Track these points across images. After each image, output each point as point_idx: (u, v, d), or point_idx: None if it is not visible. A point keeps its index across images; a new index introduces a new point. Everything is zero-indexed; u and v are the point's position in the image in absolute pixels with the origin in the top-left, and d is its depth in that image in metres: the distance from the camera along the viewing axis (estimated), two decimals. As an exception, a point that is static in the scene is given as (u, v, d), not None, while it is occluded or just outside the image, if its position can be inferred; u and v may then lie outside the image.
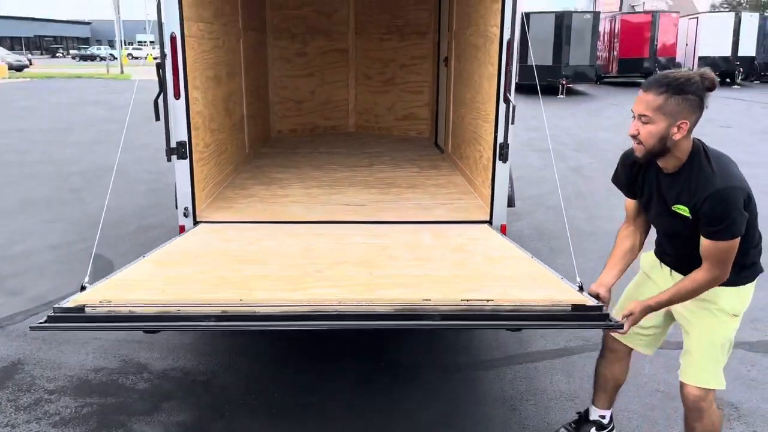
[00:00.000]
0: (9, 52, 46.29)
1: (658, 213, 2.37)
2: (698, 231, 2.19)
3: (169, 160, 4.24)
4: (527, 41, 21.73)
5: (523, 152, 10.67)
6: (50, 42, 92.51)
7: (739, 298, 2.33)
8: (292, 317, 2.53)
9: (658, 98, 2.10)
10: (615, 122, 15.01)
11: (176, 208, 4.48)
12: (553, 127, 13.91)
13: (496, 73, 4.33)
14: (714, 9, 50.77)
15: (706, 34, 25.51)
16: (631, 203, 2.57)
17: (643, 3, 53.80)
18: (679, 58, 26.45)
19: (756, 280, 2.37)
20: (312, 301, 2.62)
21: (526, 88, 23.21)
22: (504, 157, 4.38)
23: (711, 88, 2.11)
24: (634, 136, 2.20)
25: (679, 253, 2.41)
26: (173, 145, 4.24)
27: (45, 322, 2.44)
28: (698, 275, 2.23)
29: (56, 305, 2.51)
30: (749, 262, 2.31)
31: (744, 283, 2.33)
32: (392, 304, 2.58)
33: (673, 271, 2.46)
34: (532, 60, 19.31)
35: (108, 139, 11.82)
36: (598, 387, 2.81)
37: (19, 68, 38.23)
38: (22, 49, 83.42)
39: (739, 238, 2.13)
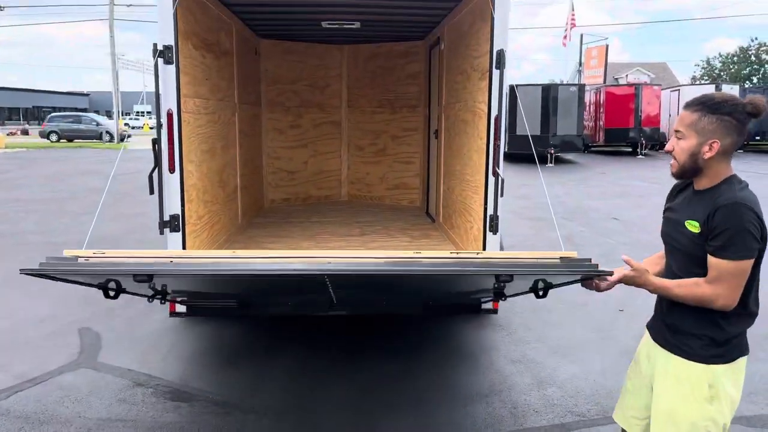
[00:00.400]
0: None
1: (671, 226, 2.26)
2: (701, 252, 2.08)
3: (161, 233, 4.26)
4: (516, 112, 22.49)
5: (513, 220, 10.77)
6: (48, 112, 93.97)
7: (725, 377, 2.13)
8: (285, 270, 2.48)
9: (693, 115, 2.10)
10: (603, 191, 15.24)
11: (167, 280, 4.47)
12: (543, 195, 14.10)
13: (485, 147, 4.44)
14: (694, 82, 52.57)
15: (688, 106, 26.27)
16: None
17: (626, 75, 55.76)
18: (663, 128, 27.18)
19: (743, 359, 2.16)
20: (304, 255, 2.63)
21: (515, 157, 23.73)
22: (494, 229, 4.44)
23: (754, 114, 2.07)
24: (669, 152, 2.19)
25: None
26: (166, 218, 4.27)
27: (38, 268, 2.38)
28: (703, 284, 2.08)
29: (49, 255, 2.44)
30: (733, 331, 2.12)
31: (712, 362, 2.13)
32: (383, 257, 2.60)
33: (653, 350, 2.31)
34: (527, 129, 19.74)
35: (102, 209, 11.84)
36: None
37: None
38: (20, 120, 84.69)
39: (749, 265, 2.02)
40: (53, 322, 5.49)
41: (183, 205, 4.28)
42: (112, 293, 2.89)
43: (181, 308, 4.28)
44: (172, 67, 4.13)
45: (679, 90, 27.22)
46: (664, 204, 2.39)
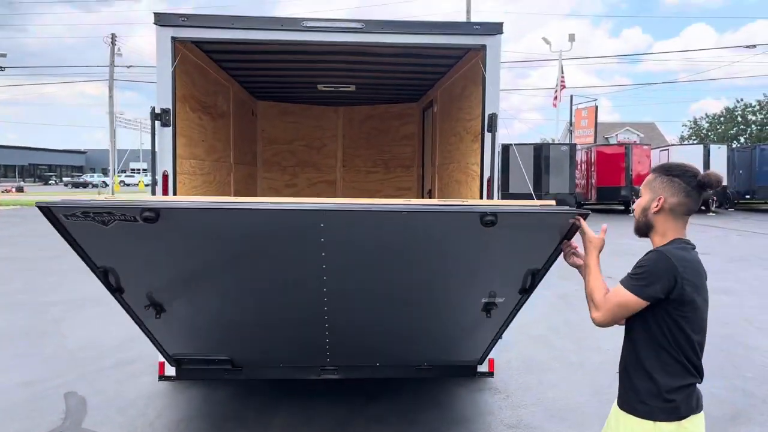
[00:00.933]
0: None
1: None
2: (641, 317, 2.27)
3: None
4: (508, 170, 22.80)
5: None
6: (44, 170, 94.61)
7: None
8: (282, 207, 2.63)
9: (650, 176, 2.40)
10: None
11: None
12: (537, 254, 14.09)
13: (478, 207, 4.44)
14: (683, 141, 53.62)
15: (678, 164, 26.73)
16: None
17: (616, 135, 56.86)
18: (654, 187, 27.52)
19: (694, 418, 2.17)
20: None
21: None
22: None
23: (704, 183, 2.26)
24: (633, 211, 2.45)
25: (623, 355, 2.40)
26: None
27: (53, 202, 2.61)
28: (605, 293, 2.35)
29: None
30: (668, 384, 2.17)
31: (658, 419, 2.17)
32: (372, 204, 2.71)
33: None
34: (529, 184, 19.96)
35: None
36: None
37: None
38: (15, 177, 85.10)
39: (632, 300, 2.21)
40: (40, 385, 5.35)
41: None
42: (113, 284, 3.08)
43: (170, 371, 4.17)
44: (168, 130, 4.18)
45: (668, 149, 27.75)
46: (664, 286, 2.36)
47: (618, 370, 2.40)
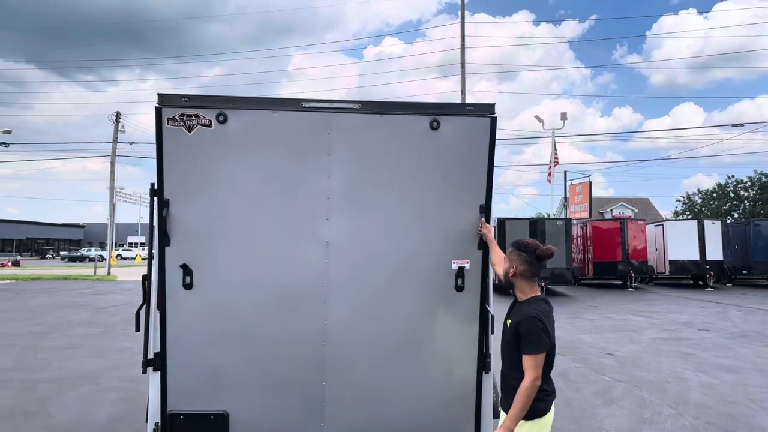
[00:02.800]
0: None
1: (503, 324, 3.55)
2: (515, 345, 3.31)
3: (144, 372, 4.13)
4: (505, 245, 22.82)
5: (507, 356, 10.53)
6: (41, 244, 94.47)
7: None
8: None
9: (509, 249, 3.51)
10: (596, 324, 15.09)
11: (146, 421, 4.27)
12: (536, 330, 13.90)
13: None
14: (677, 217, 54.02)
15: (673, 240, 26.88)
16: None
17: (611, 210, 57.39)
18: (651, 262, 27.50)
19: (542, 418, 3.28)
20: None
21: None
22: (486, 367, 4.33)
23: (541, 255, 3.40)
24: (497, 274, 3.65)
25: (504, 373, 3.47)
26: (150, 356, 4.16)
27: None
28: (522, 382, 3.21)
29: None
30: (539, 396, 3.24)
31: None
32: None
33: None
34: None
35: (85, 343, 11.55)
36: None
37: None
38: (12, 251, 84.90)
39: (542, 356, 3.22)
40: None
41: (165, 344, 4.19)
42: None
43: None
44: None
45: (662, 224, 27.92)
46: (548, 340, 3.30)
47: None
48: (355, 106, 4.31)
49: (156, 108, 4.15)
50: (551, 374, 3.39)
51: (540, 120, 31.61)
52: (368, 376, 4.31)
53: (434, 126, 4.20)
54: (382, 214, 4.31)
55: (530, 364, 3.20)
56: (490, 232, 4.24)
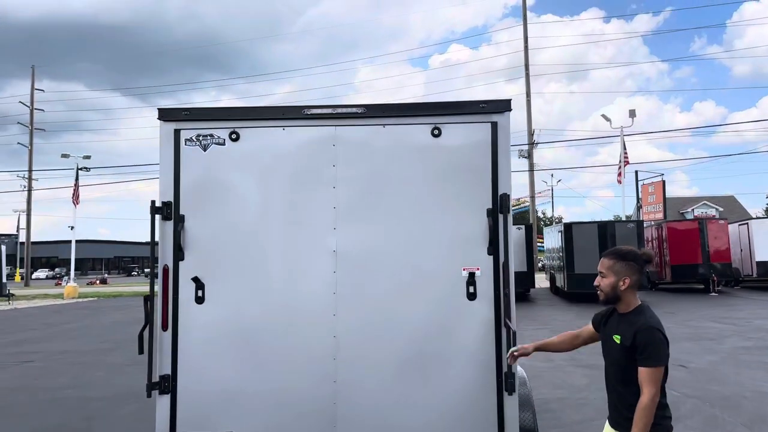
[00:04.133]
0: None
1: (605, 342, 3.22)
2: (630, 360, 2.99)
3: (149, 395, 4.02)
4: (572, 251, 21.96)
5: (566, 368, 9.95)
6: (128, 262, 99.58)
7: None
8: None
9: (610, 262, 3.12)
10: (671, 333, 14.09)
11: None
12: (603, 340, 13.14)
13: (494, 297, 4.10)
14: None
15: (761, 240, 25.04)
16: (589, 327, 3.41)
17: (692, 210, 54.43)
18: (735, 264, 25.71)
19: None
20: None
21: (575, 297, 22.74)
22: (509, 388, 3.96)
23: (648, 261, 3.14)
24: (597, 286, 3.15)
25: (613, 388, 3.15)
26: (155, 379, 4.06)
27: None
28: (641, 399, 2.90)
29: None
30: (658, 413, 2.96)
31: None
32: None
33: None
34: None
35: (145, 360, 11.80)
36: None
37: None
38: (102, 270, 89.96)
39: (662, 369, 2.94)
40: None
41: (176, 365, 4.08)
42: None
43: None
44: (170, 222, 4.12)
45: (748, 223, 26.06)
46: (595, 316, 3.35)
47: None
48: (359, 110, 4.18)
49: (174, 130, 4.25)
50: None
51: (607, 119, 30.32)
52: (380, 394, 4.05)
53: (435, 134, 4.17)
54: (388, 223, 4.19)
55: (650, 378, 2.92)
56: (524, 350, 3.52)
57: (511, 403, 4.02)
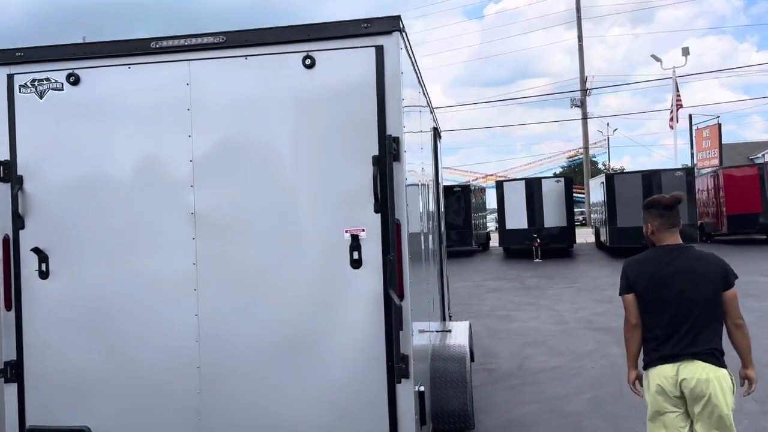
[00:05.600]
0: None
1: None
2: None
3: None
4: (615, 203, 20.53)
5: (575, 332, 9.06)
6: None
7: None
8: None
9: (643, 213, 3.42)
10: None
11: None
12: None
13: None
14: None
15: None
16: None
17: (763, 155, 50.75)
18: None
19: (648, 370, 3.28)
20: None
21: (618, 252, 21.41)
22: (402, 375, 3.23)
23: (669, 205, 3.33)
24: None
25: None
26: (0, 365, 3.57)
27: None
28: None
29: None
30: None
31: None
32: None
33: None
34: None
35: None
36: None
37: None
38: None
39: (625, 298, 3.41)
40: None
41: (21, 349, 3.56)
42: None
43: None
44: (6, 185, 3.56)
45: (816, 167, 23.71)
46: (627, 285, 3.37)
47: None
48: (217, 39, 3.46)
49: (7, 76, 3.69)
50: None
51: (657, 59, 28.01)
52: (250, 382, 3.42)
53: (308, 64, 3.37)
54: (255, 177, 3.49)
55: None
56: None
57: (405, 392, 3.29)
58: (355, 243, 3.32)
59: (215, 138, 3.45)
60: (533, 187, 22.58)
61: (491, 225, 34.05)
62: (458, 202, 24.42)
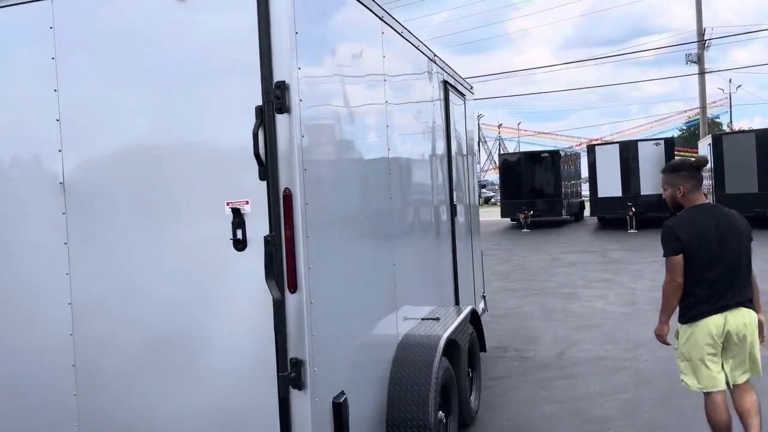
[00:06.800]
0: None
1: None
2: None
3: None
4: (723, 167, 18.27)
5: (642, 315, 7.84)
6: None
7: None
8: None
9: (666, 176, 3.62)
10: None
11: None
12: None
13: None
14: None
15: None
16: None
17: None
18: None
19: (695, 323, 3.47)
20: None
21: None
22: (296, 381, 2.58)
23: (698, 166, 3.61)
24: (664, 199, 3.70)
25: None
26: None
27: None
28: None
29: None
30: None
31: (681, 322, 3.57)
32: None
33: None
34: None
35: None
36: None
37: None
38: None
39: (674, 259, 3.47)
40: None
41: None
42: None
43: None
44: None
45: None
46: (680, 246, 3.44)
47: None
48: None
49: None
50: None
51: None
52: (128, 383, 2.90)
53: None
54: (130, 137, 2.93)
55: (666, 266, 3.52)
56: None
57: (300, 405, 2.62)
58: (238, 219, 2.64)
59: (83, 91, 2.88)
60: (628, 150, 20.64)
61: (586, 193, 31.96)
62: (546, 170, 22.91)
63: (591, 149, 21.71)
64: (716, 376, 3.44)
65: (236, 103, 2.64)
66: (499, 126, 71.41)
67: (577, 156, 27.97)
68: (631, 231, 19.19)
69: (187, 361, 2.77)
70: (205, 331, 2.74)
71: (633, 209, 19.53)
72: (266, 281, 2.52)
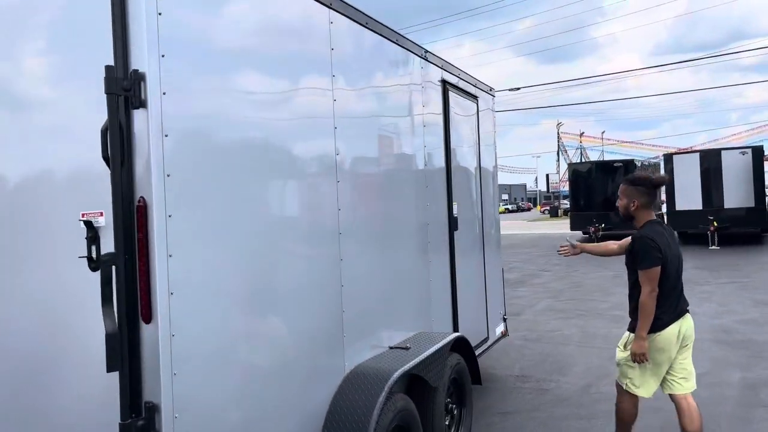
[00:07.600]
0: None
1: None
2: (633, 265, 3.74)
3: None
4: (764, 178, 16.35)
5: (697, 344, 6.87)
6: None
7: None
8: None
9: (624, 186, 3.81)
10: None
11: None
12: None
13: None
14: None
15: None
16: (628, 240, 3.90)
17: None
18: None
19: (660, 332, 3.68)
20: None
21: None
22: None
23: (657, 184, 3.86)
24: (617, 207, 3.87)
25: (630, 295, 3.83)
26: None
27: None
28: (640, 296, 3.63)
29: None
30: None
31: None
32: None
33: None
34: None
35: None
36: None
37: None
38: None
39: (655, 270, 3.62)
40: None
41: None
42: None
43: None
44: None
45: None
46: (661, 257, 3.63)
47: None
48: None
49: None
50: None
51: None
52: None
53: None
54: None
55: (645, 278, 3.60)
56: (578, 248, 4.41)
57: (153, 460, 2.18)
58: (92, 233, 2.24)
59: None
60: (710, 160, 18.97)
61: (663, 207, 29.93)
62: (620, 180, 21.53)
63: (668, 158, 20.17)
64: (655, 385, 3.79)
65: (92, 95, 2.24)
66: (581, 134, 68.83)
67: (656, 166, 26.20)
68: (713, 247, 17.62)
69: (44, 399, 2.40)
70: (54, 369, 2.37)
71: (715, 224, 17.94)
72: (102, 309, 2.11)
